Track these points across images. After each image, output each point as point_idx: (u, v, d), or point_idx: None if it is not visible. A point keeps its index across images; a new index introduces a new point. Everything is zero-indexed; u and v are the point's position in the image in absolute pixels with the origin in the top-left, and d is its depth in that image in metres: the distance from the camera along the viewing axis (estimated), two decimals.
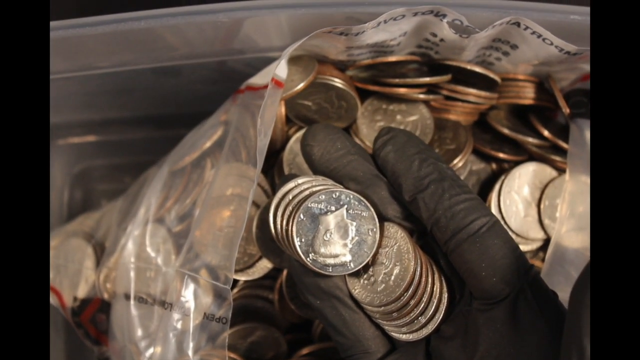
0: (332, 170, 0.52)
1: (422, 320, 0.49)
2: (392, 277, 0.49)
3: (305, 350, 0.62)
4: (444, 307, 0.49)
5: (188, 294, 0.55)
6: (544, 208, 0.61)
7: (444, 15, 0.53)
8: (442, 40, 0.57)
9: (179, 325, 0.55)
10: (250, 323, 0.62)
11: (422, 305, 0.49)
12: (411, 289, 0.48)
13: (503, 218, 0.61)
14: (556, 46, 0.55)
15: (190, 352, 0.54)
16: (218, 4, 0.54)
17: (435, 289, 0.49)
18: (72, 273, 0.70)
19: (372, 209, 0.50)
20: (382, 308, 0.49)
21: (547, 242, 0.62)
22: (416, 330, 0.50)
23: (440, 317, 0.49)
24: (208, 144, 0.62)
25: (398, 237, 0.50)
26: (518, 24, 0.53)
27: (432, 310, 0.49)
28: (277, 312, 0.63)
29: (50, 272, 0.70)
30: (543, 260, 0.61)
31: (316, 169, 0.53)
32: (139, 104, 0.78)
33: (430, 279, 0.49)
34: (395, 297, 0.48)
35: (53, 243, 0.73)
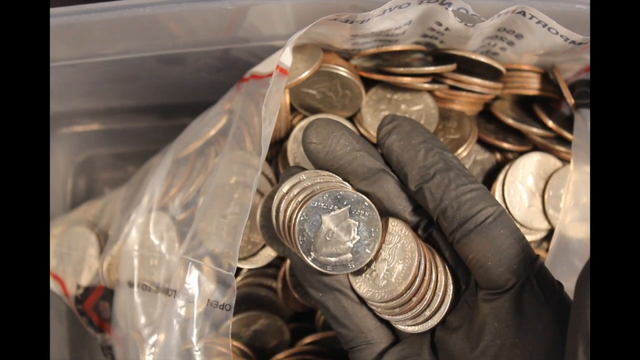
0: (337, 168, 0.51)
1: (428, 313, 0.49)
2: (395, 274, 0.49)
3: (308, 339, 0.62)
4: (450, 299, 0.49)
5: (192, 281, 0.55)
6: (548, 198, 0.61)
7: (449, 4, 0.53)
8: (447, 29, 0.57)
9: (182, 312, 0.55)
10: (254, 311, 0.62)
11: (426, 300, 0.49)
12: (414, 287, 0.48)
13: (507, 208, 0.61)
14: (561, 35, 0.55)
15: (194, 339, 0.54)
16: None
17: (439, 281, 0.49)
18: (75, 261, 0.70)
19: (375, 210, 0.49)
20: (384, 304, 0.49)
21: (551, 232, 0.61)
22: (421, 323, 0.50)
23: (446, 309, 0.49)
24: (212, 133, 0.62)
25: (402, 234, 0.49)
26: (523, 13, 0.53)
27: (437, 303, 0.49)
28: (280, 300, 0.63)
29: (53, 260, 0.71)
30: (547, 250, 0.61)
31: (321, 167, 0.52)
32: (143, 93, 0.78)
33: (434, 275, 0.49)
34: (397, 294, 0.48)
35: (56, 231, 0.73)
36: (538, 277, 0.45)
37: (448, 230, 0.48)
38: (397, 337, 0.52)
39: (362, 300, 0.51)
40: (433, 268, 0.49)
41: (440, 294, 0.49)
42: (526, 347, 0.44)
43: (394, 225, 0.50)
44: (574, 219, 0.58)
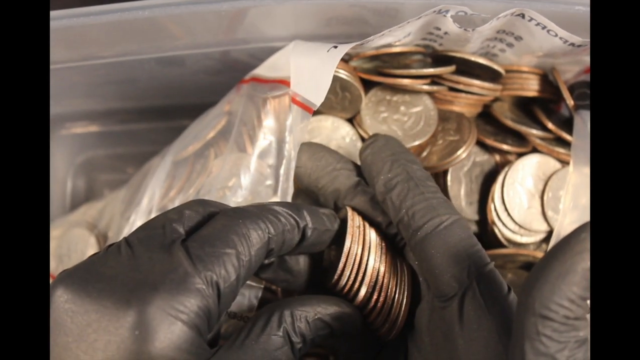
0: (321, 188, 0.54)
1: (389, 320, 0.50)
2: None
3: None
4: (406, 306, 0.50)
5: None
6: (547, 200, 0.61)
7: (447, 11, 0.53)
8: (446, 33, 0.57)
9: None
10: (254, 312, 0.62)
11: (385, 307, 0.50)
12: (345, 274, 0.50)
13: (506, 209, 0.61)
14: (560, 38, 0.55)
15: None
16: None
17: (398, 288, 0.50)
18: (75, 263, 0.69)
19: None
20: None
21: (550, 233, 0.61)
22: (387, 330, 0.51)
23: (401, 319, 0.50)
24: (211, 134, 0.62)
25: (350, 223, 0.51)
26: (522, 15, 0.53)
27: (396, 311, 0.50)
28: None
29: (53, 262, 0.70)
30: (546, 252, 0.60)
31: (307, 189, 0.55)
32: (142, 94, 0.77)
33: (394, 280, 0.50)
34: (334, 280, 0.50)
35: (56, 233, 0.73)
36: (482, 284, 0.46)
37: (406, 239, 0.49)
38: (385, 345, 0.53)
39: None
40: (392, 273, 0.51)
41: (398, 302, 0.50)
42: (468, 356, 0.44)
43: (344, 214, 0.52)
44: (573, 220, 0.58)
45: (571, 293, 0.36)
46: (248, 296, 0.55)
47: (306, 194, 0.57)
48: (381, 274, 0.50)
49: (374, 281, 0.50)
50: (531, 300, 0.37)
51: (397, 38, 0.56)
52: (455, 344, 0.45)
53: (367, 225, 0.52)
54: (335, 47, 0.54)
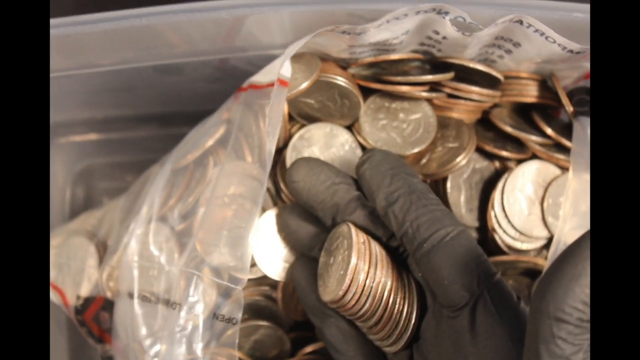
0: (320, 202, 0.54)
1: (396, 332, 0.50)
2: (337, 276, 0.51)
3: (308, 349, 0.61)
4: (415, 319, 0.50)
5: (195, 293, 0.55)
6: (547, 206, 0.61)
7: (447, 13, 0.53)
8: (444, 37, 0.57)
9: (185, 324, 0.55)
10: (254, 321, 0.62)
11: (392, 319, 0.50)
12: (354, 292, 0.50)
13: (506, 216, 0.61)
14: (559, 44, 0.55)
15: (199, 351, 0.54)
16: (219, 1, 0.54)
17: (406, 301, 0.50)
18: (74, 271, 0.69)
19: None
20: (355, 318, 0.52)
21: (550, 240, 0.61)
22: (394, 343, 0.51)
23: (410, 331, 0.50)
24: (210, 142, 0.62)
25: (348, 238, 0.51)
26: (521, 22, 0.53)
27: (404, 323, 0.50)
28: (280, 310, 0.63)
29: (52, 271, 0.70)
30: (546, 258, 0.60)
31: (305, 204, 0.55)
32: (141, 102, 0.78)
33: (402, 293, 0.51)
34: (338, 296, 0.50)
35: (55, 242, 0.73)
36: (492, 293, 0.46)
37: (411, 252, 0.49)
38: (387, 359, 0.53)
39: (355, 326, 0.53)
40: (399, 285, 0.51)
41: (405, 314, 0.50)
42: None
43: (347, 231, 0.52)
44: (573, 226, 0.58)
45: (585, 295, 0.36)
46: (233, 298, 0.55)
47: (304, 208, 0.57)
48: (388, 288, 0.50)
49: (381, 296, 0.50)
50: (545, 304, 0.37)
51: (395, 34, 0.56)
52: (466, 353, 0.45)
53: (371, 240, 0.52)
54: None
